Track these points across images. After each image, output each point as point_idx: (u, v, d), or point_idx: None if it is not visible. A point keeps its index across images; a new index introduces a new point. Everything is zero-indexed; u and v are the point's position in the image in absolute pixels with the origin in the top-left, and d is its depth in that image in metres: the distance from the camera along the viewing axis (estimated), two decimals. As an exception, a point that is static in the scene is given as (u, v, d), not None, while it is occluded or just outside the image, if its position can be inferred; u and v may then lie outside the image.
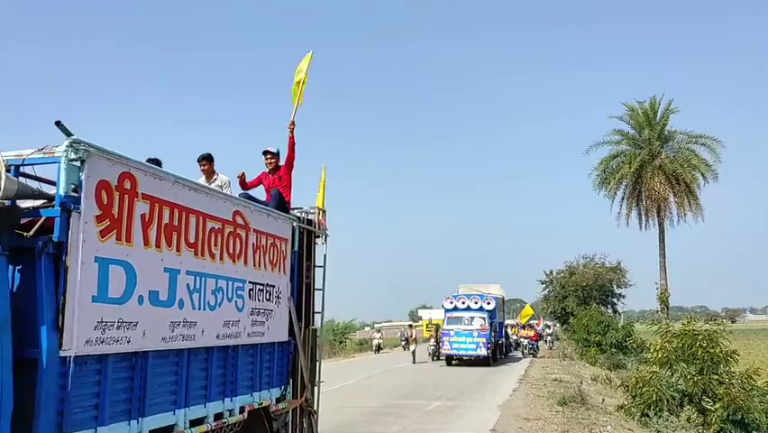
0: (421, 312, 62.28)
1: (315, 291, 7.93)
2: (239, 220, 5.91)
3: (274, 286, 6.59)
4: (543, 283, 45.43)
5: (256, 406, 6.26)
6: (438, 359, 28.15)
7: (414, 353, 28.56)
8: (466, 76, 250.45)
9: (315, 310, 7.96)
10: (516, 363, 29.48)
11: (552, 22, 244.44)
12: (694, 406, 13.45)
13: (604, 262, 43.06)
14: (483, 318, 25.60)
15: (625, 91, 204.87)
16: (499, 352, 29.98)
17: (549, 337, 43.43)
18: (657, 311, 33.63)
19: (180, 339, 4.94)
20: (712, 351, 13.88)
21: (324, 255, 8.16)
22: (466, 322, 25.51)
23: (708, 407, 13.29)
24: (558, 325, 49.65)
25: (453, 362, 26.21)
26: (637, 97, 42.71)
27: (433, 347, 29.45)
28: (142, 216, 4.51)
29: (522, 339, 35.80)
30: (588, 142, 45.83)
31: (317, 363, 7.99)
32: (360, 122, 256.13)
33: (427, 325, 42.84)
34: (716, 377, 13.70)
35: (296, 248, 7.26)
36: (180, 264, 4.95)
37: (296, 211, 7.83)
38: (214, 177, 7.40)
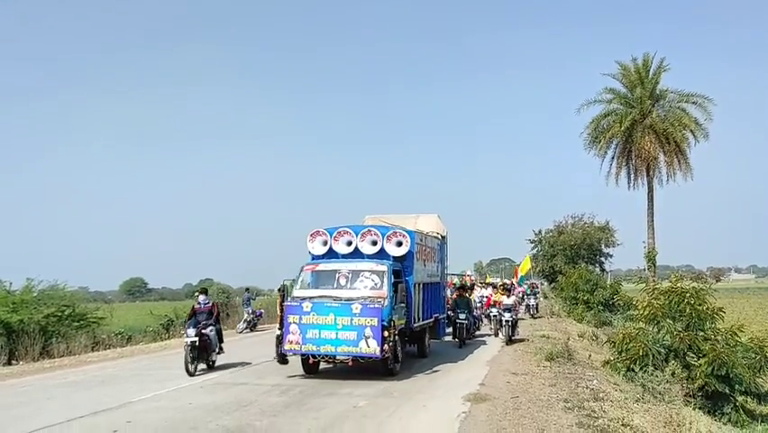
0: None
1: None
2: None
3: None
4: (531, 242, 45.83)
5: None
6: (284, 361, 11.99)
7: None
8: (451, 31, 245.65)
9: None
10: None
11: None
12: (679, 361, 13.70)
13: (592, 221, 43.49)
14: (380, 275, 12.08)
15: (617, 49, 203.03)
16: (431, 335, 15.45)
17: (533, 299, 27.31)
18: (644, 270, 34.14)
19: None
20: (699, 308, 14.10)
21: None
22: (342, 283, 12.12)
23: (693, 362, 13.58)
24: (545, 283, 49.88)
25: (320, 366, 12.41)
26: (627, 57, 42.26)
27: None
28: None
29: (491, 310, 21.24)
30: (580, 101, 45.63)
31: None
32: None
33: None
34: (701, 333, 13.95)
35: None
36: None
37: None
38: None
